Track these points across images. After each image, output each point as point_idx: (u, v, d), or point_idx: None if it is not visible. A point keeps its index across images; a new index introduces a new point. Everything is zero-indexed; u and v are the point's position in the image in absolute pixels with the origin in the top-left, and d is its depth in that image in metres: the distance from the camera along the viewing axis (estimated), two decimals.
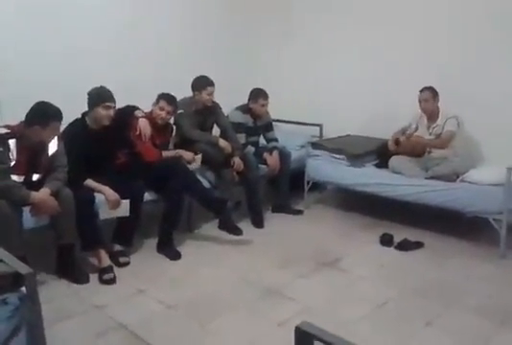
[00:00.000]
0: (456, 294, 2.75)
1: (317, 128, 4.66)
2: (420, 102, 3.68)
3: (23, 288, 1.51)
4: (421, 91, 3.67)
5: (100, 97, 3.00)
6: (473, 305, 2.62)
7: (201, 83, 3.67)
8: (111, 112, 3.02)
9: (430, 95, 3.63)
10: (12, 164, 2.68)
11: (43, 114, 2.69)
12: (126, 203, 3.01)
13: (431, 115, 3.71)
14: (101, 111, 2.99)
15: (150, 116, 3.39)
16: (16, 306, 1.48)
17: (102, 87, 3.05)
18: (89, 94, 3.04)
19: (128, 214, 3.03)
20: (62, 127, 2.98)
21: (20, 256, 2.56)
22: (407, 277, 2.98)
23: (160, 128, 3.47)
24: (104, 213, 2.96)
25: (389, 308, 2.61)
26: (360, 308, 2.59)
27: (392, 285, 2.86)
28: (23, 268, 1.51)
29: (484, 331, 2.38)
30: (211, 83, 3.68)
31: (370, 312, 2.55)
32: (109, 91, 3.05)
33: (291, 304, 2.63)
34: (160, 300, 2.65)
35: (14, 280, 1.50)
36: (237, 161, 3.69)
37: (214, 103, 3.81)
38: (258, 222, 3.83)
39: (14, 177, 2.71)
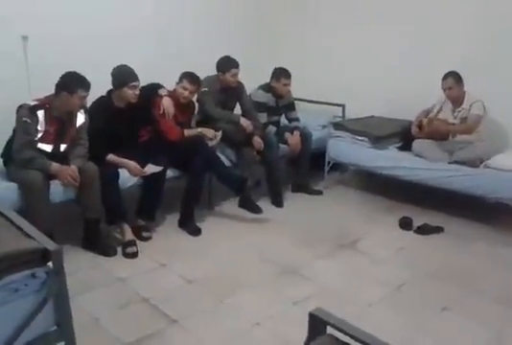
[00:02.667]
0: (475, 280, 2.76)
1: (340, 108, 4.61)
2: (444, 89, 3.58)
3: (50, 263, 1.59)
4: (443, 79, 3.55)
5: (124, 77, 3.03)
6: (491, 291, 2.63)
7: (226, 65, 3.66)
8: (137, 91, 3.06)
9: (453, 82, 3.52)
10: (41, 134, 2.78)
11: (71, 81, 2.78)
12: (150, 166, 3.11)
13: (457, 100, 3.62)
14: (127, 91, 3.03)
15: (173, 94, 3.40)
16: (44, 279, 1.56)
17: (124, 66, 3.08)
18: (113, 75, 3.07)
19: (159, 169, 3.12)
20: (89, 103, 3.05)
21: (47, 229, 2.70)
22: (426, 261, 2.99)
23: (183, 107, 3.49)
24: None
25: (406, 291, 2.64)
26: (377, 290, 2.63)
27: (410, 268, 2.88)
28: (50, 245, 1.58)
29: (501, 317, 2.39)
30: (236, 65, 3.66)
31: (387, 295, 2.58)
32: (132, 70, 3.07)
33: (308, 284, 2.68)
34: (181, 274, 2.73)
35: (42, 255, 1.57)
36: (257, 140, 3.71)
37: (238, 82, 3.79)
38: (278, 202, 3.86)
39: (44, 146, 2.81)
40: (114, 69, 3.08)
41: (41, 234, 1.66)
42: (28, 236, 1.64)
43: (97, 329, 2.22)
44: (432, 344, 2.19)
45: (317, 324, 1.20)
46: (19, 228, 1.69)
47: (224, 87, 3.74)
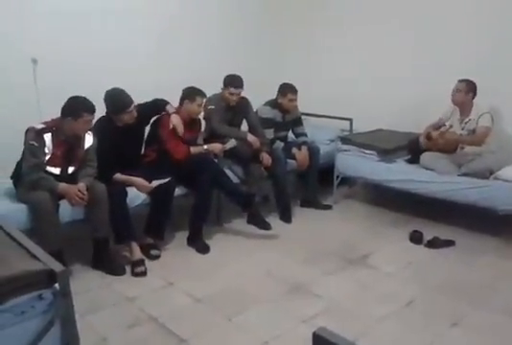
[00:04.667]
0: (485, 294, 2.71)
1: (348, 122, 4.61)
2: (453, 91, 3.59)
3: (57, 285, 1.59)
4: (458, 81, 3.58)
5: (118, 106, 3.05)
6: (501, 305, 2.58)
7: (228, 83, 3.69)
8: (134, 113, 3.09)
9: (463, 86, 3.54)
10: (48, 157, 2.82)
11: (76, 106, 2.80)
12: (155, 181, 3.13)
13: (463, 108, 3.62)
14: (123, 116, 3.07)
15: (179, 112, 3.43)
16: (51, 301, 1.57)
17: (116, 94, 3.07)
18: (106, 102, 3.07)
19: (166, 180, 3.15)
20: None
21: (57, 249, 2.72)
22: (436, 275, 2.95)
23: (189, 124, 3.52)
24: None
25: (416, 306, 2.60)
26: (386, 306, 2.59)
27: (420, 283, 2.84)
28: (57, 266, 1.59)
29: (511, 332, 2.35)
30: (234, 85, 3.66)
31: (396, 311, 2.54)
32: (124, 95, 3.06)
33: (317, 301, 2.66)
34: (189, 293, 2.73)
35: (49, 276, 1.58)
36: (265, 156, 3.72)
37: (243, 98, 3.82)
38: (286, 217, 3.85)
39: (51, 169, 2.84)
40: (106, 96, 3.07)
41: (48, 255, 1.67)
42: (34, 257, 1.65)
43: None
44: None
45: (321, 344, 1.19)
46: (26, 249, 1.70)
47: (230, 104, 3.76)
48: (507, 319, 2.45)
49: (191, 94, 3.41)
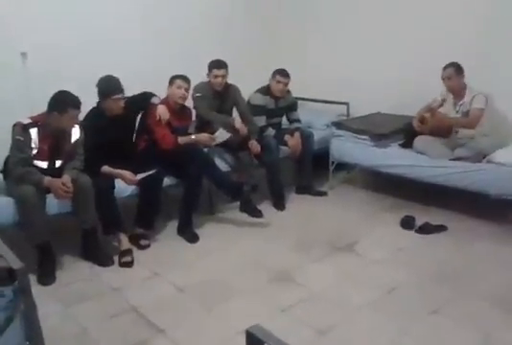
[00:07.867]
0: (472, 280, 2.68)
1: (345, 107, 4.54)
2: (443, 79, 3.48)
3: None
4: (443, 69, 3.47)
5: (107, 90, 3.06)
6: (486, 292, 2.55)
7: (210, 66, 3.67)
8: (121, 103, 3.09)
9: (452, 72, 3.44)
10: (35, 151, 2.85)
11: (62, 101, 2.82)
12: (141, 175, 3.13)
13: (457, 92, 3.52)
14: (110, 104, 3.08)
15: (166, 101, 3.43)
16: (11, 298, 1.61)
17: (108, 78, 3.10)
18: (97, 86, 3.10)
19: (150, 172, 3.13)
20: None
21: (45, 241, 2.79)
22: (425, 262, 2.92)
23: (178, 112, 3.51)
24: None
25: (398, 294, 2.58)
26: (368, 294, 2.58)
27: (407, 270, 2.82)
28: (16, 263, 1.62)
29: (492, 319, 2.31)
30: (217, 66, 3.63)
31: (377, 299, 2.54)
32: (116, 81, 3.09)
33: (299, 289, 2.66)
34: (173, 283, 2.75)
35: (9, 274, 1.62)
36: (253, 144, 3.70)
37: (232, 85, 3.79)
38: (279, 205, 3.84)
39: (39, 163, 2.87)
40: (99, 80, 3.10)
41: (9, 251, 1.70)
42: None
43: (83, 339, 2.25)
44: None
45: (254, 343, 1.19)
46: None
47: (217, 91, 3.73)
48: (489, 306, 2.42)
49: (171, 79, 3.43)
